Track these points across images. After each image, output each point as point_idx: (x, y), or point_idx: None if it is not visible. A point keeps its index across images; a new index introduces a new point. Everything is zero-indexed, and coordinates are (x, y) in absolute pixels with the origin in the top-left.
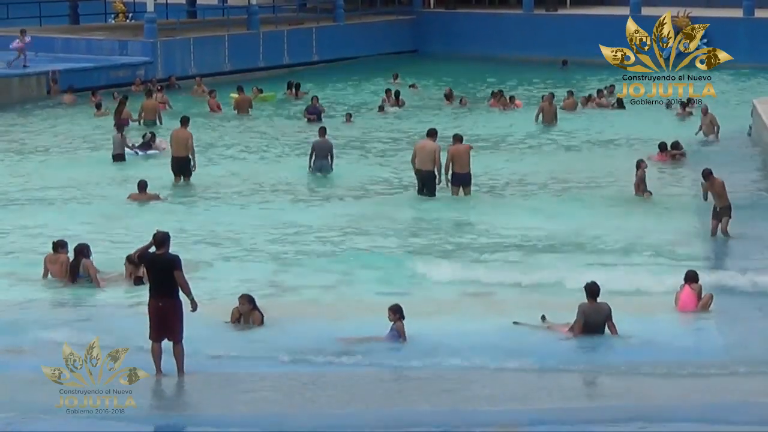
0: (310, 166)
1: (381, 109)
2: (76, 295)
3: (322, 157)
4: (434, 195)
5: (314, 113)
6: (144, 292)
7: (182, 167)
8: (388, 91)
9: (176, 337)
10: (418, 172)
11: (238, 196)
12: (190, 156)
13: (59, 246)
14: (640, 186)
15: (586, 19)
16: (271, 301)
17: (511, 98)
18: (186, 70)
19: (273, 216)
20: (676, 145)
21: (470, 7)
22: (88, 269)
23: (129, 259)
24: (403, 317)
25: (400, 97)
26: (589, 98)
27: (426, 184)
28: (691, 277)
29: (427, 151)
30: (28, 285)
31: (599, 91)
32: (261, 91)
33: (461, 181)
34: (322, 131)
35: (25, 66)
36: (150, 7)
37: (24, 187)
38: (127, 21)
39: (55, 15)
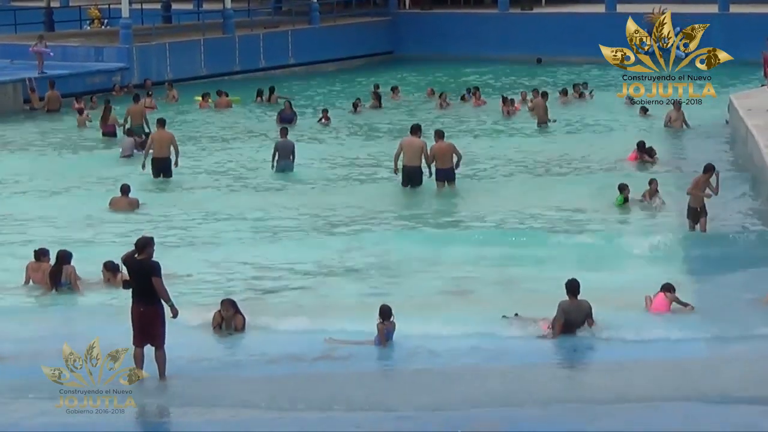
0: (273, 166)
1: (355, 108)
2: (57, 301)
3: (284, 157)
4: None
5: (286, 120)
6: (124, 298)
7: (163, 167)
8: (357, 99)
9: (158, 342)
10: (404, 168)
11: (218, 199)
12: (173, 156)
13: (41, 254)
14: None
15: (561, 17)
16: (252, 305)
17: (511, 100)
18: (162, 75)
19: (254, 219)
20: (650, 151)
21: (445, 7)
22: (69, 276)
23: (106, 266)
24: (385, 320)
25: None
26: (564, 92)
27: (413, 180)
28: (667, 288)
29: (415, 148)
30: (8, 292)
31: (575, 86)
32: (227, 95)
33: (445, 176)
34: (284, 132)
35: (41, 72)
36: (125, 13)
37: (6, 191)
38: (103, 27)
39: (30, 22)
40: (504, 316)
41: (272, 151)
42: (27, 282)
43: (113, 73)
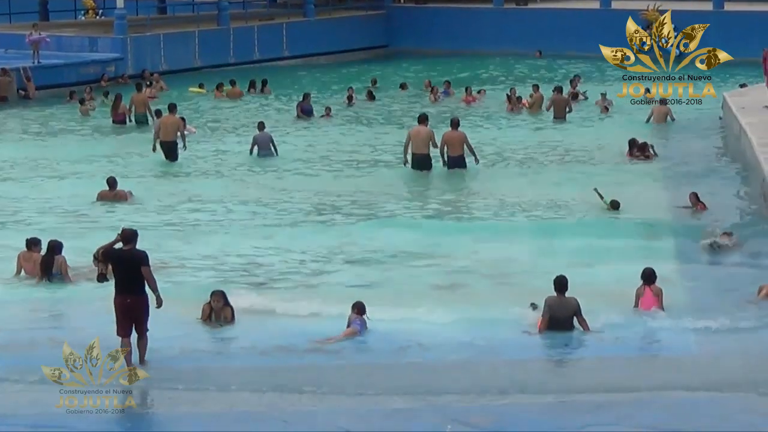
0: (251, 154)
1: (350, 99)
2: (49, 291)
3: (264, 148)
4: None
5: (307, 111)
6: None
7: (170, 151)
8: (350, 89)
9: (143, 330)
10: (413, 156)
11: (215, 190)
12: (179, 140)
13: (33, 244)
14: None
15: (556, 12)
16: (244, 296)
17: (519, 98)
18: (156, 66)
19: (248, 210)
20: (643, 147)
21: (441, 1)
22: (60, 266)
23: (95, 257)
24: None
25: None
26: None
27: (422, 166)
28: (649, 277)
29: (423, 137)
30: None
31: (571, 81)
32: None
33: (455, 164)
34: (261, 125)
35: (38, 61)
36: (120, 3)
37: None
38: (97, 17)
39: (25, 12)
40: (532, 304)
41: (251, 143)
42: (18, 272)
43: (107, 63)
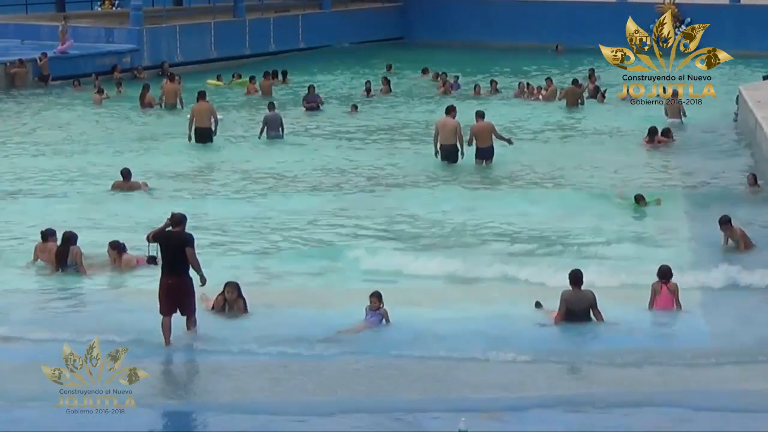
0: (259, 136)
1: (368, 92)
2: (63, 282)
3: (273, 129)
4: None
5: (313, 102)
6: (131, 279)
7: (204, 137)
8: (368, 82)
9: (189, 311)
10: (441, 147)
11: (226, 183)
12: (213, 126)
13: (49, 235)
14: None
15: (572, 5)
16: (257, 289)
17: (538, 88)
18: (172, 58)
19: (263, 202)
20: (665, 132)
21: None
22: (75, 257)
23: (111, 245)
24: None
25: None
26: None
27: (448, 157)
28: (665, 274)
29: (449, 128)
30: (15, 272)
31: (590, 75)
32: (240, 77)
33: (484, 155)
34: (272, 106)
35: (62, 51)
36: None
37: (15, 173)
38: (113, 8)
39: (41, 2)
40: (537, 303)
41: (261, 123)
42: (35, 261)
43: (123, 54)
